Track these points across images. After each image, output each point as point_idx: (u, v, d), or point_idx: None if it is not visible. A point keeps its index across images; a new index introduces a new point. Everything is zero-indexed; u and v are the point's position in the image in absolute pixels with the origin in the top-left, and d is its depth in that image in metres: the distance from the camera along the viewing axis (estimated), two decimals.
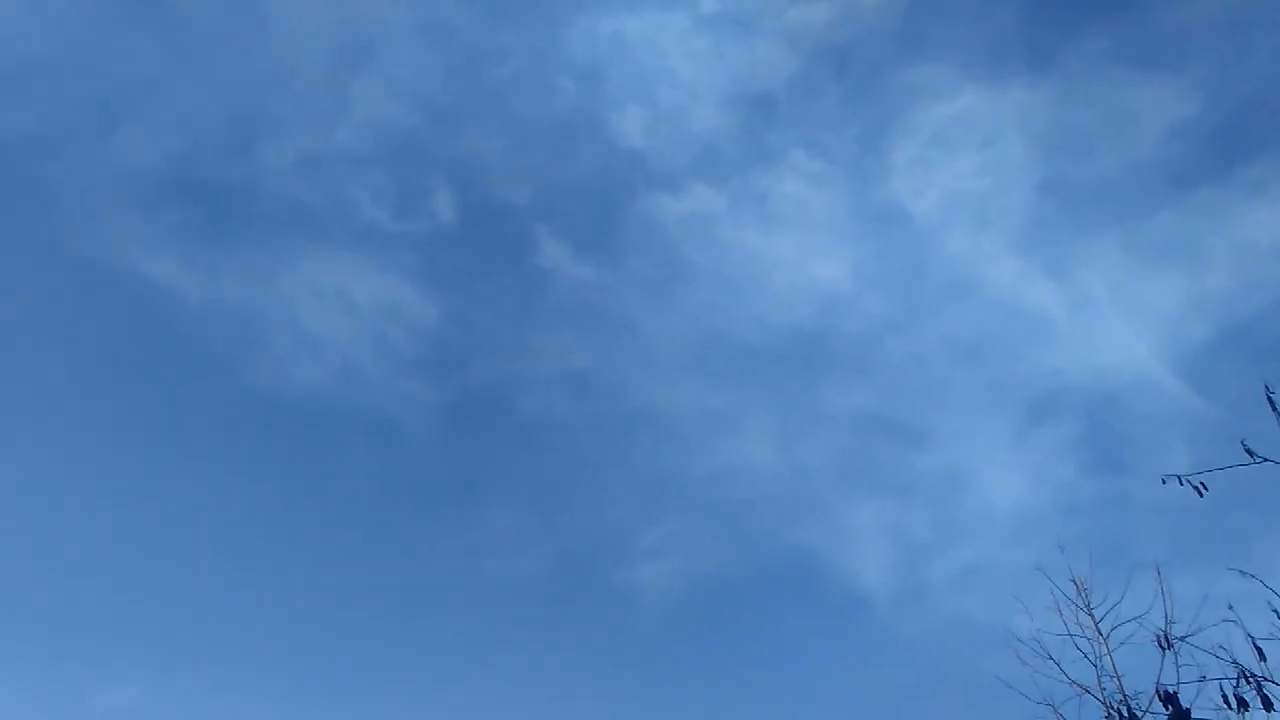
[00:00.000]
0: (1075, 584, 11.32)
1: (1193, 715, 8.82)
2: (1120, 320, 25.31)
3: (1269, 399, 7.71)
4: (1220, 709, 8.33)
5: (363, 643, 23.54)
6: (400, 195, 28.41)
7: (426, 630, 24.19)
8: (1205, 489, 8.08)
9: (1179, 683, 9.34)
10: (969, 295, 26.96)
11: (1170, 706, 9.01)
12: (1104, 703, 10.51)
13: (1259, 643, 8.20)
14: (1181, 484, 8.15)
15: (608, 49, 28.20)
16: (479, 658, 23.85)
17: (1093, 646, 10.84)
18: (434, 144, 28.91)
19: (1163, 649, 9.80)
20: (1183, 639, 9.72)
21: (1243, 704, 8.16)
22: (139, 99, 27.38)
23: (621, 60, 28.34)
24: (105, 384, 27.10)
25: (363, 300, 28.24)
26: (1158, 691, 9.71)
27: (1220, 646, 8.51)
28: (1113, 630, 10.87)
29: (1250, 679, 8.15)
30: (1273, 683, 8.11)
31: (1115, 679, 10.60)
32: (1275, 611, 8.09)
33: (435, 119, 28.76)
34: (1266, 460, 7.69)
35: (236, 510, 26.00)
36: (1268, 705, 8.06)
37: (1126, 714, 10.17)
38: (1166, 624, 10.16)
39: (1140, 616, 10.58)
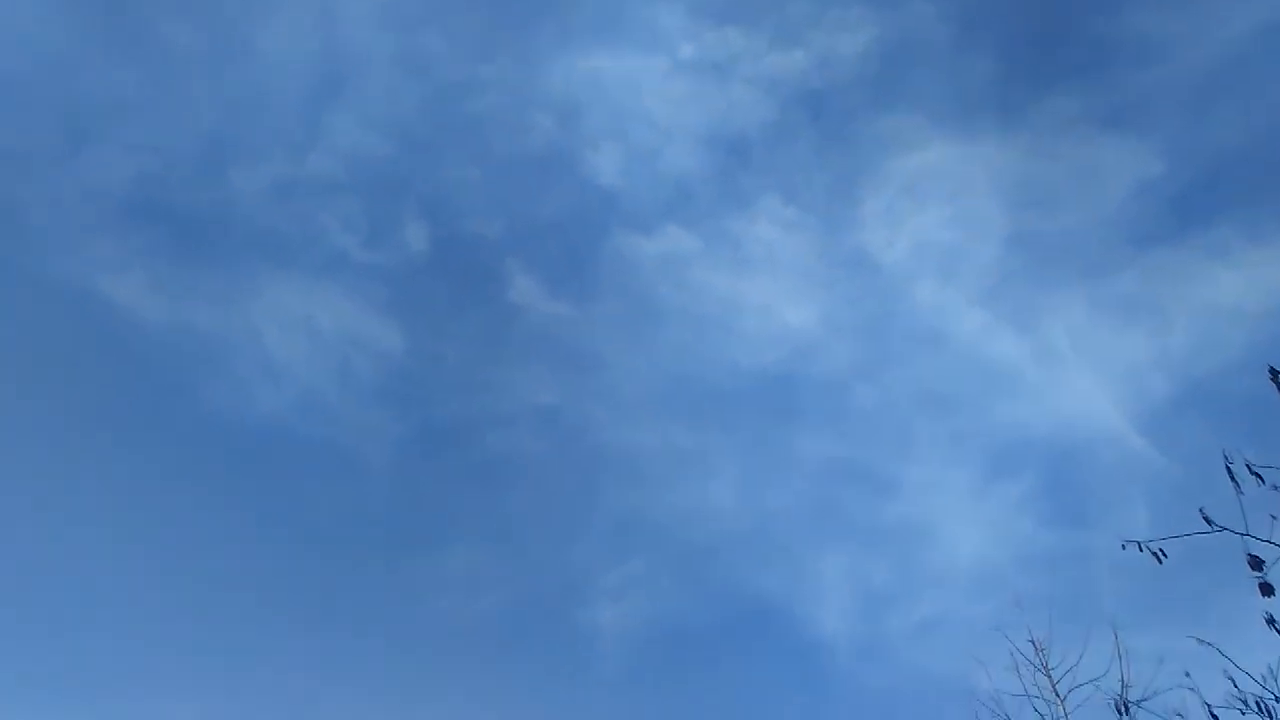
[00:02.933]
0: (1033, 644, 11.34)
1: None
2: (1084, 374, 25.63)
3: (1227, 468, 7.76)
4: None
5: (313, 677, 23.07)
6: (371, 225, 28.30)
7: (379, 668, 23.77)
8: (1165, 555, 8.10)
9: None
10: (936, 345, 27.21)
11: None
12: None
13: (1215, 710, 8.22)
14: (1141, 550, 8.17)
15: (586, 88, 28.40)
16: (433, 697, 23.44)
17: (1050, 708, 10.83)
18: (407, 174, 28.89)
19: (1119, 713, 9.80)
20: (1139, 703, 9.74)
21: None
22: (111, 120, 27.17)
23: (599, 99, 28.55)
24: (62, 403, 26.63)
25: (328, 328, 28.01)
26: None
27: (1177, 714, 8.53)
28: (1070, 692, 10.87)
29: None
30: None
31: None
32: (1230, 679, 8.12)
33: (410, 149, 28.76)
34: (1224, 529, 7.75)
35: (190, 533, 25.53)
36: None
37: None
38: (1123, 688, 10.18)
39: (1098, 679, 10.59)
